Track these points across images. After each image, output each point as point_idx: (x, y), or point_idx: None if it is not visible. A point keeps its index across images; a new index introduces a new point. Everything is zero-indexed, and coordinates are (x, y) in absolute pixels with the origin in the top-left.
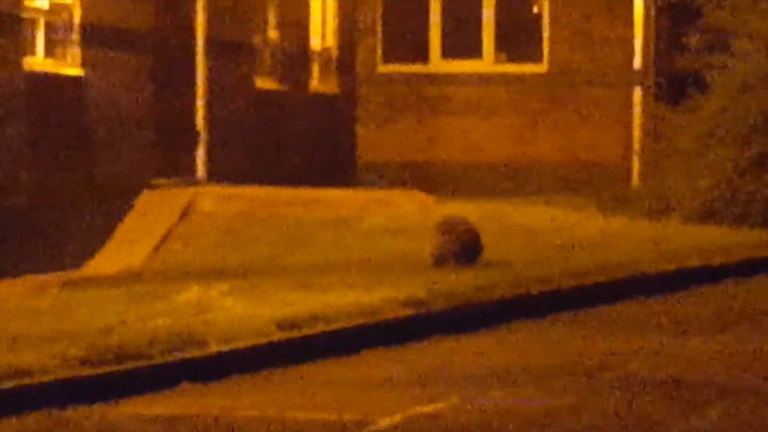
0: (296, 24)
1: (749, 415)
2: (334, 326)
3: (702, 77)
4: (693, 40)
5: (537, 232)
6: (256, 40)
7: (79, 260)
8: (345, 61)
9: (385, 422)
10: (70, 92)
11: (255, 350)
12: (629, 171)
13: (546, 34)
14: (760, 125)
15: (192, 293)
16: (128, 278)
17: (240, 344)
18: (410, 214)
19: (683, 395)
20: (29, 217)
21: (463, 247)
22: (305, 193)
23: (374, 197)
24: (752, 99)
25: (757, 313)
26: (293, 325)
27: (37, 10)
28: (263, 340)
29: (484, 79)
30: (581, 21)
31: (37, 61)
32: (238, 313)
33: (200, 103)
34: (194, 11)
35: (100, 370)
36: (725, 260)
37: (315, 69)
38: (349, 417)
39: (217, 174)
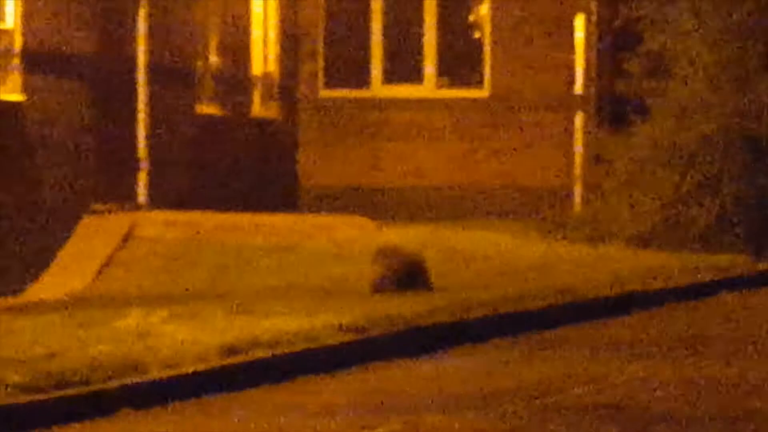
0: (237, 49)
1: None
2: (275, 352)
3: (643, 102)
4: (634, 65)
5: (479, 257)
6: (198, 65)
7: (20, 285)
8: (286, 86)
9: None
10: (10, 117)
11: (196, 376)
12: (571, 196)
13: (487, 59)
14: (700, 150)
15: (133, 319)
16: (70, 304)
17: (181, 370)
18: (353, 240)
19: (624, 421)
20: None
21: (403, 273)
22: (247, 218)
23: (317, 222)
24: (692, 124)
25: (697, 339)
26: (234, 350)
27: None
28: (204, 366)
29: (426, 104)
30: (522, 46)
31: None
32: (179, 338)
33: (141, 128)
34: (135, 37)
35: (41, 397)
36: (666, 285)
37: (256, 94)
38: None
39: (158, 199)
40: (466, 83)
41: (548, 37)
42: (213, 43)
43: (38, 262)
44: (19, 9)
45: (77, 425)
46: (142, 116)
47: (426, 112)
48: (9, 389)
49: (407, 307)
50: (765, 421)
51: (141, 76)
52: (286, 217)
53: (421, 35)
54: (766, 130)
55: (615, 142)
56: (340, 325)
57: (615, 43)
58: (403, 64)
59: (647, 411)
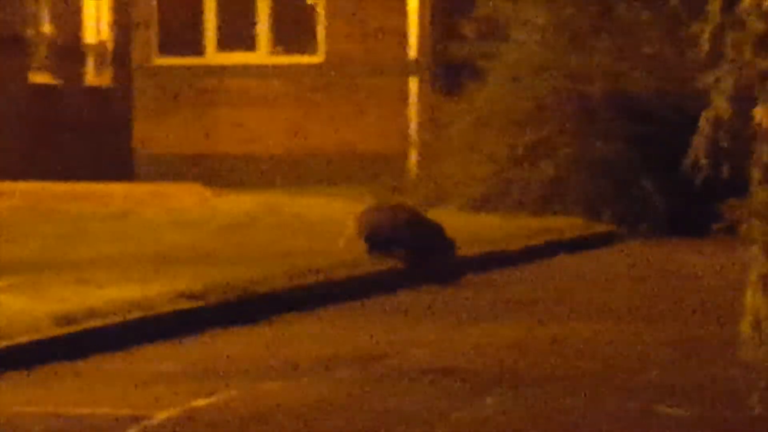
0: (70, 17)
1: (522, 402)
2: (110, 321)
3: (477, 66)
4: (468, 29)
5: (313, 224)
6: (30, 33)
7: None
8: (120, 54)
9: (162, 416)
10: None
11: (31, 346)
12: (406, 161)
13: (321, 25)
14: (533, 113)
15: None
16: None
17: (15, 340)
18: (188, 207)
19: (460, 384)
20: None
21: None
22: (81, 187)
23: (152, 190)
24: (525, 87)
25: (532, 301)
26: (69, 320)
27: None
28: (39, 336)
29: (260, 71)
30: (356, 11)
31: None
32: (13, 309)
33: None
34: None
35: None
36: (502, 248)
37: (90, 62)
38: (126, 412)
39: None
40: (301, 49)
41: (382, 2)
42: (45, 11)
43: None
44: None
45: None
46: None
47: (261, 78)
48: None
49: (243, 275)
50: (595, 379)
51: None
52: (121, 185)
53: (254, 1)
54: (599, 92)
55: (449, 107)
56: (176, 293)
57: (449, 7)
58: (237, 31)
59: (482, 374)
